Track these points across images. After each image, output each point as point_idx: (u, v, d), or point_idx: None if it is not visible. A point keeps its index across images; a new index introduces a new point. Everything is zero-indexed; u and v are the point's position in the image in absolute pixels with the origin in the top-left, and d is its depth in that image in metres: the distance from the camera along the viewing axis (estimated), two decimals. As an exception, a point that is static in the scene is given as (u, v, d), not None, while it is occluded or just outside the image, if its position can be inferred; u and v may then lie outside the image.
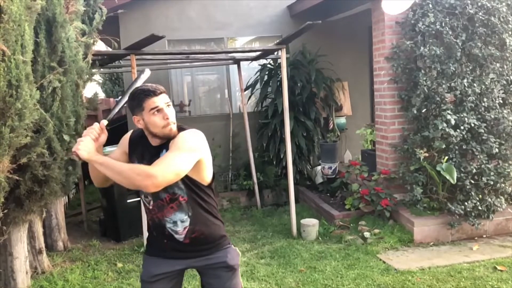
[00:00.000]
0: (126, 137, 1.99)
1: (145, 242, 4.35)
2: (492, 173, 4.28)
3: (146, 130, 1.84)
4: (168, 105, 1.81)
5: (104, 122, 1.81)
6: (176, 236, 1.89)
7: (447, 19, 4.37)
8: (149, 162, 1.75)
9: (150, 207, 1.91)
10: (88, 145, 1.71)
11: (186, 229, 1.88)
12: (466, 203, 4.21)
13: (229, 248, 1.98)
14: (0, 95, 2.43)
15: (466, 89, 4.32)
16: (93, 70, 4.58)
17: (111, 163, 1.71)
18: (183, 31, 6.28)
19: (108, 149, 5.14)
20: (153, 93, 1.78)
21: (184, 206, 1.86)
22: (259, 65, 6.35)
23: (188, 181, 1.84)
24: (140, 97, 1.79)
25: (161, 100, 1.79)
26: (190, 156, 1.75)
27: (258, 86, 6.23)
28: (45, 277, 3.79)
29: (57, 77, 3.21)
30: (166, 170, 1.66)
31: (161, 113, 1.78)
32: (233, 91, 6.75)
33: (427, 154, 4.37)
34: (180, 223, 1.87)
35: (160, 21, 6.17)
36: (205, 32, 6.38)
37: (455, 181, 4.15)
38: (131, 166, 1.73)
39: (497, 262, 3.77)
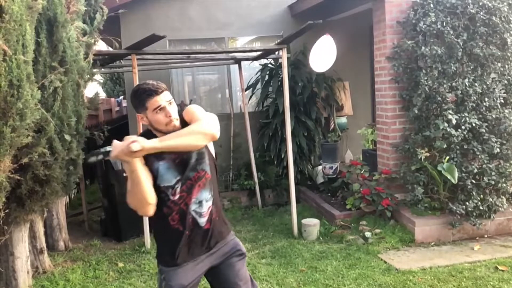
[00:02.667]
0: None
1: (146, 242, 4.38)
2: (493, 173, 4.27)
3: (151, 126, 1.89)
4: (170, 103, 1.84)
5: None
6: (200, 220, 1.92)
7: (448, 19, 4.37)
8: (170, 153, 1.83)
9: (177, 197, 1.88)
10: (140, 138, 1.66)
11: (209, 209, 1.94)
12: (467, 203, 4.21)
13: (235, 237, 2.09)
14: (2, 95, 2.44)
15: (467, 88, 4.32)
16: (94, 70, 4.58)
17: (173, 134, 1.76)
18: (184, 31, 6.28)
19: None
20: (155, 92, 1.80)
21: (208, 183, 1.94)
22: (260, 64, 6.35)
23: (209, 155, 1.95)
24: (142, 97, 1.81)
25: (163, 99, 1.82)
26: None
27: (259, 86, 6.23)
28: (46, 277, 3.79)
29: (58, 77, 3.22)
30: (211, 123, 1.83)
31: (163, 111, 1.82)
32: (234, 91, 6.75)
33: (428, 154, 4.37)
34: (205, 203, 1.93)
35: (161, 21, 6.17)
36: (206, 32, 6.38)
37: (456, 181, 4.15)
38: (194, 125, 1.79)
39: (499, 262, 3.76)
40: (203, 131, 1.76)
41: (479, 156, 4.32)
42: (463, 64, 4.40)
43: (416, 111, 4.43)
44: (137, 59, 4.62)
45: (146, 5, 6.10)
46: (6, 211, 2.92)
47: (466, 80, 4.34)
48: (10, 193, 2.90)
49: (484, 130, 4.32)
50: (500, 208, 4.32)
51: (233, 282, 1.99)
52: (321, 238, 4.53)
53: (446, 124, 4.23)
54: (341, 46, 6.54)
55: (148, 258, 4.18)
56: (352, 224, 4.70)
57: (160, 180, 1.86)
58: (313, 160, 6.40)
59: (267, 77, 6.15)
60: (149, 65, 5.88)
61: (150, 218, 2.05)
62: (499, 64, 4.42)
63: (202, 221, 1.92)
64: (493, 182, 4.27)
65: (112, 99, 12.27)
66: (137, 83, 4.15)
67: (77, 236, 4.97)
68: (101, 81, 14.53)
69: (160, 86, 1.83)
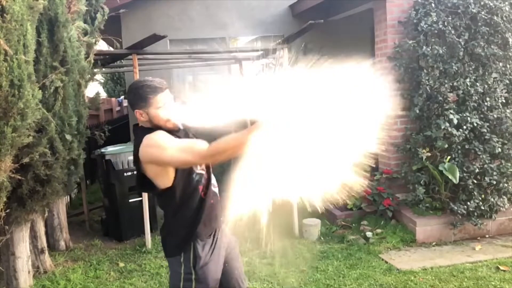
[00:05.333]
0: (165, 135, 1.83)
1: (147, 241, 4.37)
2: (494, 173, 4.26)
3: (150, 123, 1.87)
4: (171, 101, 1.87)
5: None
6: (215, 190, 2.01)
7: (450, 19, 4.36)
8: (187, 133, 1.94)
9: (203, 166, 1.95)
10: None
11: (216, 181, 2.06)
12: (468, 203, 4.20)
13: None
14: (3, 94, 2.44)
15: (469, 88, 4.31)
16: (95, 70, 4.58)
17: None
18: (185, 31, 6.28)
19: (110, 148, 5.16)
20: (160, 89, 1.82)
21: None
22: (261, 64, 6.34)
23: None
24: (147, 93, 1.81)
25: (167, 96, 1.85)
26: None
27: (260, 85, 6.22)
28: (47, 277, 3.79)
29: (59, 77, 3.22)
30: None
31: (165, 108, 1.84)
32: (235, 90, 6.74)
33: (429, 154, 4.36)
34: (213, 176, 2.03)
35: (162, 21, 6.17)
36: (207, 32, 6.38)
37: (458, 180, 4.14)
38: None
39: (500, 262, 3.76)
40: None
41: (481, 156, 4.31)
42: (465, 64, 4.39)
43: (418, 111, 4.42)
44: (138, 59, 4.61)
45: (147, 5, 6.11)
46: (7, 211, 2.92)
47: (468, 79, 4.33)
48: (11, 193, 2.90)
49: (485, 130, 4.31)
50: (501, 208, 4.31)
51: (238, 271, 2.12)
52: (322, 238, 4.52)
53: (447, 124, 4.22)
54: (342, 46, 6.56)
55: (149, 258, 4.18)
56: (353, 224, 4.70)
57: None
58: (314, 160, 6.39)
59: (268, 77, 6.14)
60: (150, 65, 5.88)
61: (175, 205, 1.94)
62: (501, 64, 4.41)
63: (216, 190, 2.03)
64: (494, 182, 4.26)
65: (113, 99, 12.27)
66: (138, 83, 4.16)
67: (78, 236, 4.97)
68: (102, 81, 14.54)
69: (163, 83, 1.85)
